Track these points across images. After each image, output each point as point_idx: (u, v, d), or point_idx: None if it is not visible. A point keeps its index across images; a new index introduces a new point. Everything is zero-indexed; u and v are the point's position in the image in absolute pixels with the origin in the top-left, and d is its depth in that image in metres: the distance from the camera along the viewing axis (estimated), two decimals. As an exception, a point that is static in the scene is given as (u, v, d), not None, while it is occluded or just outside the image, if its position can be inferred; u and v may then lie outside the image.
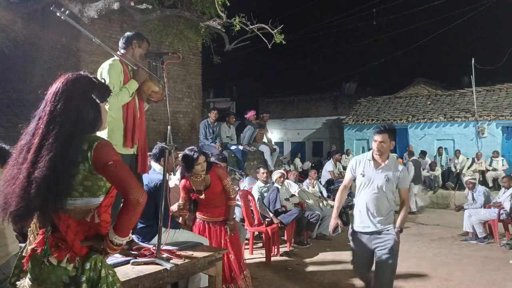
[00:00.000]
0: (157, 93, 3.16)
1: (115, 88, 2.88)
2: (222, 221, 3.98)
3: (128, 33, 3.21)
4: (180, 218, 4.06)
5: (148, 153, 3.32)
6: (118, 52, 3.16)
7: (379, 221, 3.35)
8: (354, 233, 3.51)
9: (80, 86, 1.64)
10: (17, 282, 1.67)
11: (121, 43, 3.18)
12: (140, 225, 3.39)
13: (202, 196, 3.87)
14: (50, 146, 1.50)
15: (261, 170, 6.67)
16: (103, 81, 1.86)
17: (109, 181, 1.62)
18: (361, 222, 3.42)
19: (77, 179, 1.56)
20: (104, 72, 2.97)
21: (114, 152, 1.63)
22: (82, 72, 1.70)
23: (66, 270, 1.52)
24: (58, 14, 2.44)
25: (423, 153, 13.07)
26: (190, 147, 3.86)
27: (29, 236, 1.65)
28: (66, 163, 1.51)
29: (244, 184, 7.30)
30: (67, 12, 2.45)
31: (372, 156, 3.40)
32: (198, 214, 4.07)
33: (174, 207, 3.83)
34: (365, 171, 3.42)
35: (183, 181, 3.93)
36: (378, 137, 3.31)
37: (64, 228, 1.54)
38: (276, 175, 6.82)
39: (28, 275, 1.60)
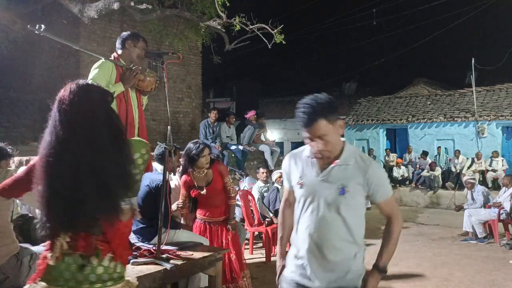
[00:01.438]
0: (143, 81, 3.15)
1: None
2: (222, 221, 3.96)
3: (123, 33, 3.22)
4: (182, 218, 4.05)
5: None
6: (114, 53, 3.18)
7: (330, 270, 1.85)
8: (285, 280, 1.99)
9: (100, 94, 1.66)
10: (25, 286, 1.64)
11: (117, 43, 3.20)
12: (140, 225, 3.39)
13: (204, 192, 3.81)
14: (107, 150, 1.51)
15: (261, 170, 6.68)
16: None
17: None
18: (298, 268, 1.92)
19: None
20: (93, 71, 3.00)
21: None
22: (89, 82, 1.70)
23: (107, 268, 1.55)
24: (36, 32, 2.46)
25: (424, 154, 13.07)
26: (193, 140, 3.85)
27: (57, 241, 1.54)
28: (130, 165, 1.56)
29: (244, 184, 7.31)
30: (43, 27, 2.46)
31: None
32: (198, 214, 4.03)
33: (173, 207, 3.83)
34: (304, 178, 1.94)
35: (184, 177, 3.88)
36: (309, 131, 1.85)
37: (110, 230, 1.55)
38: (276, 175, 6.81)
39: (40, 279, 1.54)
